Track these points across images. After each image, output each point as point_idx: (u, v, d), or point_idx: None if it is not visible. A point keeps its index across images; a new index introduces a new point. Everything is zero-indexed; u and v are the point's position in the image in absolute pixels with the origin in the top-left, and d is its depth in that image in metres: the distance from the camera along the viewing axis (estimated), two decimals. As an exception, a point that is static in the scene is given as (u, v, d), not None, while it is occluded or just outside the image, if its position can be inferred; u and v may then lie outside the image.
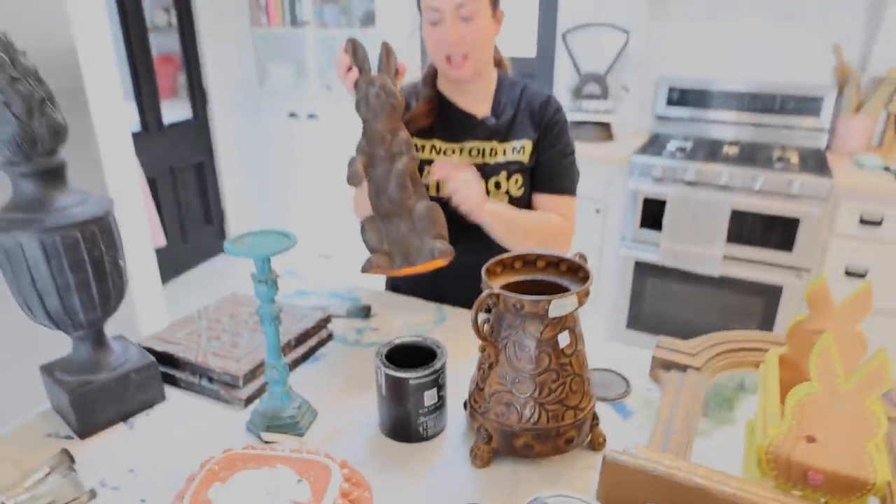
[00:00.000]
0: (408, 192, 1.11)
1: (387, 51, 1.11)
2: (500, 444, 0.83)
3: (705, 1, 2.78)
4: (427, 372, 0.85)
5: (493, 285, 0.81)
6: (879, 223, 2.25)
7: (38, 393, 1.00)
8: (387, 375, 0.86)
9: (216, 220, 3.84)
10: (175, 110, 3.53)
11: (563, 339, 0.79)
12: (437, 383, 0.87)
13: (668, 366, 0.99)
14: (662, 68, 2.94)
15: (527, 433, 0.81)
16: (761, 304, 2.52)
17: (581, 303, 0.79)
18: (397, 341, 0.92)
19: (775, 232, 2.40)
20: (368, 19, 3.35)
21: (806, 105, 2.69)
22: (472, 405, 0.87)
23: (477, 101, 1.30)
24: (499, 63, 1.35)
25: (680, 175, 2.47)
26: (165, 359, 1.03)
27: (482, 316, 0.81)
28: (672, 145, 2.72)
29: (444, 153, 1.29)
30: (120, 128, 1.80)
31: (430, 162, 1.28)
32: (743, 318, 2.57)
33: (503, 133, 1.28)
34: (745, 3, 2.71)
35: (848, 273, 2.35)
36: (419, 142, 1.29)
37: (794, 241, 2.37)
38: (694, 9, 2.81)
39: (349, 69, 1.12)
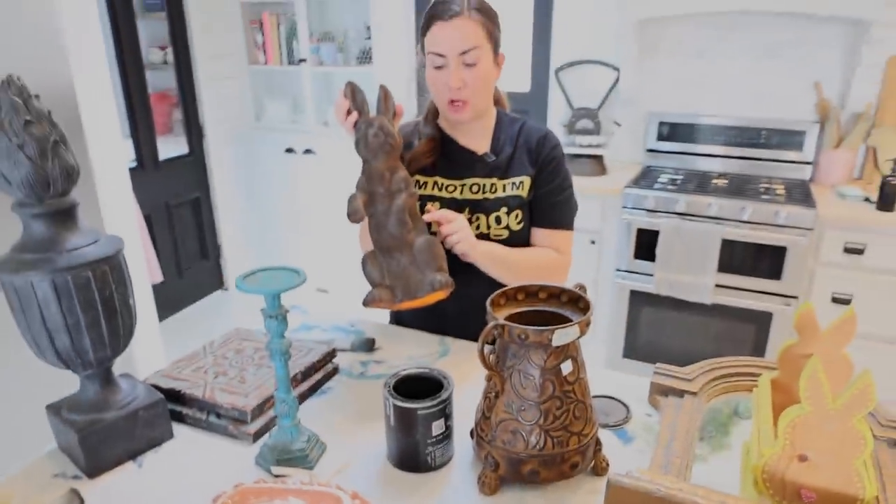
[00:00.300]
0: (407, 227, 1.13)
1: (385, 93, 1.13)
2: (507, 472, 0.85)
3: (693, 40, 2.87)
4: (435, 402, 0.87)
5: (498, 317, 0.84)
6: (862, 252, 2.30)
7: (42, 433, 0.99)
8: (395, 406, 0.88)
9: (212, 255, 3.83)
10: (171, 146, 3.54)
11: (566, 367, 0.82)
12: (445, 413, 0.89)
13: (666, 391, 1.02)
14: (652, 104, 3.01)
15: (533, 459, 0.83)
16: (753, 330, 2.55)
17: (583, 332, 0.81)
18: (404, 373, 0.94)
19: (764, 261, 2.44)
20: (365, 57, 3.38)
21: (790, 139, 2.77)
22: (478, 434, 0.89)
23: (477, 139, 1.33)
24: (498, 101, 1.39)
25: (671, 206, 2.53)
26: (172, 396, 1.03)
27: (487, 347, 0.83)
28: (663, 178, 2.78)
29: (447, 189, 1.32)
30: (118, 165, 1.80)
31: (432, 198, 1.31)
32: (735, 344, 2.60)
33: (503, 169, 1.31)
34: (730, 43, 2.80)
35: (835, 300, 2.39)
36: (422, 179, 1.32)
37: (782, 270, 2.42)
38: (682, 47, 2.90)
39: (349, 112, 1.14)
